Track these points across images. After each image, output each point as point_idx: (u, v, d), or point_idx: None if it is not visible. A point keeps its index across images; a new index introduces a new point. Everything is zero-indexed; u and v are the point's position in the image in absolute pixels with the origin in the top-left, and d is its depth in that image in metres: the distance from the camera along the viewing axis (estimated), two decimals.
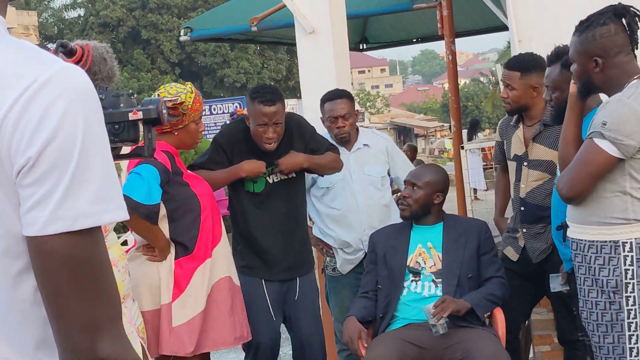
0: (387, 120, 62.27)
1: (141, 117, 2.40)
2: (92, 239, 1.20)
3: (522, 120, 4.38)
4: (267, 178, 4.28)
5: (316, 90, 5.13)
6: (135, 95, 2.65)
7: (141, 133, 2.29)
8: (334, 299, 4.99)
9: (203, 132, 3.93)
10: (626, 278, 3.18)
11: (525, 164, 4.31)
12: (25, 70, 1.18)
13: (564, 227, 3.58)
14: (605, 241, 3.22)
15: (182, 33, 8.35)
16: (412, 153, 12.28)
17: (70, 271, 1.18)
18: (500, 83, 4.62)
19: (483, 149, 8.41)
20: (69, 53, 2.50)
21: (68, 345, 1.20)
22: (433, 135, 55.26)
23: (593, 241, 3.25)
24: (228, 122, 6.28)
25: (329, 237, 4.85)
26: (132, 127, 2.35)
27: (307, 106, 4.89)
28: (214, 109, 23.33)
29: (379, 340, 4.05)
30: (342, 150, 4.77)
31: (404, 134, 61.10)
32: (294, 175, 4.35)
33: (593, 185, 3.21)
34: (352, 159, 4.80)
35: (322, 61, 5.17)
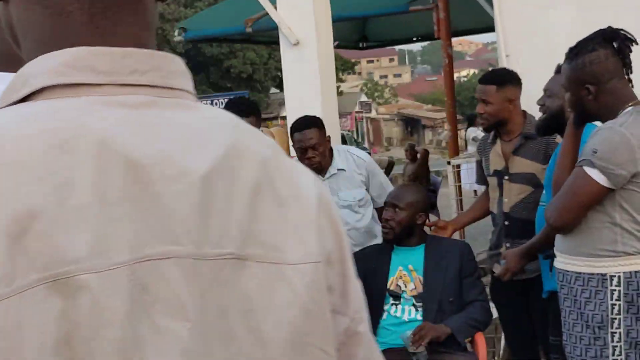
0: (395, 111, 62.18)
1: None
2: None
3: (499, 136, 4.30)
4: None
5: (301, 103, 5.04)
6: None
7: None
8: None
9: None
10: (612, 313, 3.08)
11: (506, 177, 4.23)
12: None
13: (551, 256, 3.48)
14: (593, 274, 3.10)
15: (176, 33, 8.29)
16: (412, 153, 12.09)
17: None
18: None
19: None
20: None
21: None
22: (441, 127, 55.06)
23: (580, 273, 3.14)
24: None
25: None
26: None
27: (292, 119, 4.78)
28: (216, 104, 23.36)
29: None
30: None
31: (411, 125, 60.98)
32: None
33: (582, 215, 3.10)
34: (326, 185, 4.66)
35: (307, 73, 5.06)
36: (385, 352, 3.98)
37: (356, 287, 0.95)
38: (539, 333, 4.32)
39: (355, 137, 35.87)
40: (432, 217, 11.42)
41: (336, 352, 0.92)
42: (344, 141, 36.96)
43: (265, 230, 0.84)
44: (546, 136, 3.99)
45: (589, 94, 3.13)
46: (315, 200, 0.90)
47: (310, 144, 4.52)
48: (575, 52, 3.17)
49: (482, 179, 4.51)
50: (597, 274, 3.10)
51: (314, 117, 4.63)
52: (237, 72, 41.52)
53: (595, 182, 3.02)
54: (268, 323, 0.83)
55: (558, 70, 3.71)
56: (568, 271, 3.20)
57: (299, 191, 0.89)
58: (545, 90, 3.82)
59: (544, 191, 3.80)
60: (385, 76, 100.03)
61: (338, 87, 47.58)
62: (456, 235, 4.95)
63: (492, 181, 4.32)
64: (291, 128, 4.63)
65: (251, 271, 0.83)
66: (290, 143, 4.73)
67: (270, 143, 0.90)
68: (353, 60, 49.02)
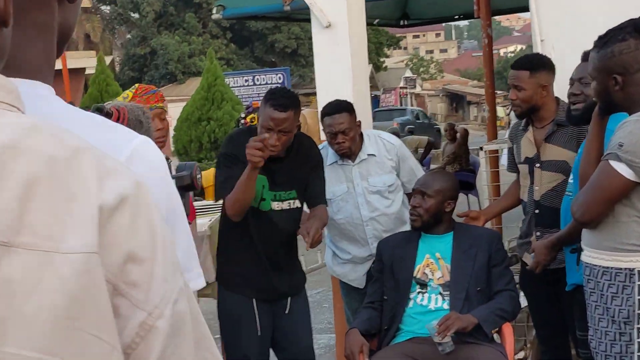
0: (440, 87, 61.71)
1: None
2: None
3: (531, 123, 4.22)
4: (272, 203, 4.05)
5: (332, 87, 5.00)
6: (170, 160, 2.56)
7: None
8: (344, 301, 4.89)
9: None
10: (639, 309, 3.02)
11: (537, 165, 4.15)
12: (117, 141, 1.19)
13: (578, 250, 3.42)
14: (620, 268, 3.04)
15: (214, 11, 8.31)
16: (452, 133, 11.96)
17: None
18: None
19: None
20: (105, 116, 2.48)
21: None
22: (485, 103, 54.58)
23: (607, 267, 3.08)
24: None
25: (339, 250, 4.73)
26: None
27: (323, 103, 4.74)
28: (257, 80, 23.30)
29: (381, 355, 3.93)
30: (345, 162, 4.62)
31: (456, 102, 60.53)
32: (299, 205, 4.13)
33: (609, 209, 3.04)
34: (356, 170, 4.62)
35: (339, 57, 5.00)
36: (410, 340, 3.97)
37: (164, 285, 1.00)
38: (568, 323, 4.26)
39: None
40: (472, 198, 11.35)
41: (134, 344, 0.97)
42: (417, 117, 36.34)
43: (40, 221, 0.92)
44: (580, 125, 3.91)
45: (616, 84, 3.06)
46: (117, 200, 0.96)
47: (341, 128, 4.48)
48: (604, 41, 3.10)
49: (512, 167, 4.44)
50: (625, 268, 3.04)
51: (345, 101, 4.58)
52: (281, 46, 41.49)
53: (622, 176, 2.96)
54: (30, 306, 0.90)
55: (585, 57, 3.63)
56: (595, 265, 3.14)
57: (92, 190, 0.95)
58: (579, 78, 3.73)
59: (570, 180, 3.73)
60: (432, 51, 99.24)
61: (382, 63, 46.96)
62: (489, 224, 4.88)
63: (523, 169, 4.25)
64: (321, 112, 4.59)
65: (18, 257, 0.90)
66: (321, 127, 4.69)
67: (73, 146, 0.97)
68: (398, 36, 48.67)
